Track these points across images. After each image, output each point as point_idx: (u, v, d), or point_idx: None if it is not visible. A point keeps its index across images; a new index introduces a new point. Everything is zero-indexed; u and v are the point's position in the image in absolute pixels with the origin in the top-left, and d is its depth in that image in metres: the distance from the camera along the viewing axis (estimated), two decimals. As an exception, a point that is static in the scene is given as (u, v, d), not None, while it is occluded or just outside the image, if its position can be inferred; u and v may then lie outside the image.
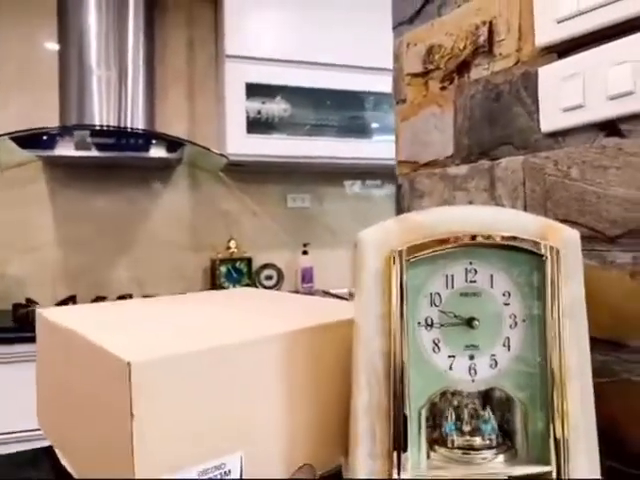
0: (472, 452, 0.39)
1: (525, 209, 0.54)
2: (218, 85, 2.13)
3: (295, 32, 2.03)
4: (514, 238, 0.37)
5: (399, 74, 0.71)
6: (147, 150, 1.88)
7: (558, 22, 0.48)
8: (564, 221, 0.50)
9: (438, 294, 0.38)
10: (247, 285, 2.14)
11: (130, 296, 1.95)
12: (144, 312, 0.51)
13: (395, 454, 0.36)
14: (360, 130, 2.17)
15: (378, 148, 2.10)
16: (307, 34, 2.03)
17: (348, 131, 2.14)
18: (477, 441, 0.40)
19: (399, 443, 0.36)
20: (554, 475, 0.37)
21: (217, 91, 2.16)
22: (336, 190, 2.37)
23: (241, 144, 1.93)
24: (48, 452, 0.48)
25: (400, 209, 0.72)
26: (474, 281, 0.38)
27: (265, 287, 2.21)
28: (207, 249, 2.17)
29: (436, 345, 0.38)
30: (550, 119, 0.50)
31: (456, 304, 0.38)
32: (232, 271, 2.15)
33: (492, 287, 0.38)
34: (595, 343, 0.47)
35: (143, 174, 2.11)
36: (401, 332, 0.37)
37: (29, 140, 1.71)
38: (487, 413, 0.40)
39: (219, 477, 0.36)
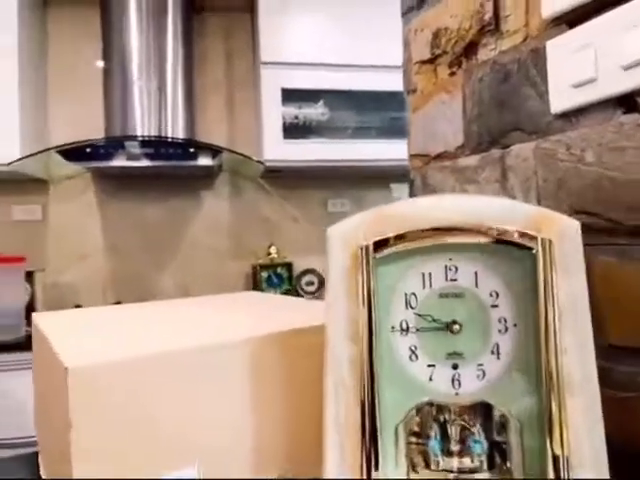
0: (460, 475, 0.35)
1: (539, 200, 0.48)
2: (256, 92, 2.15)
3: (330, 35, 2.01)
4: (500, 230, 0.32)
5: (409, 63, 0.67)
6: (188, 158, 1.92)
7: (566, -12, 0.43)
8: (580, 212, 0.44)
9: (414, 294, 0.34)
10: (288, 291, 2.13)
11: (173, 302, 1.99)
12: (126, 316, 0.50)
13: (364, 471, 0.32)
14: (401, 131, 2.11)
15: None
16: (342, 36, 2.01)
17: (390, 132, 2.09)
18: (466, 462, 0.35)
19: (369, 460, 0.32)
20: (553, 504, 0.31)
21: (255, 98, 2.18)
22: (379, 194, 2.33)
23: (278, 150, 1.93)
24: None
25: (413, 206, 0.68)
26: (455, 279, 0.34)
27: (306, 292, 2.19)
28: (248, 255, 2.19)
29: (413, 353, 0.34)
30: (560, 98, 0.45)
31: (435, 306, 0.34)
32: (273, 277, 2.15)
33: (477, 286, 0.33)
34: (618, 352, 0.41)
35: (185, 182, 2.16)
36: (370, 337, 0.33)
37: (76, 153, 1.78)
38: (477, 431, 0.35)
39: (173, 493, 0.33)
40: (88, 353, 0.34)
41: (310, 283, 2.21)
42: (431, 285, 0.34)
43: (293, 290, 2.15)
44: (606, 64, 0.40)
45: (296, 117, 2.05)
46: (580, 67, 0.42)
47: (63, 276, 2.01)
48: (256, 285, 2.13)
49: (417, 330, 0.34)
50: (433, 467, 0.35)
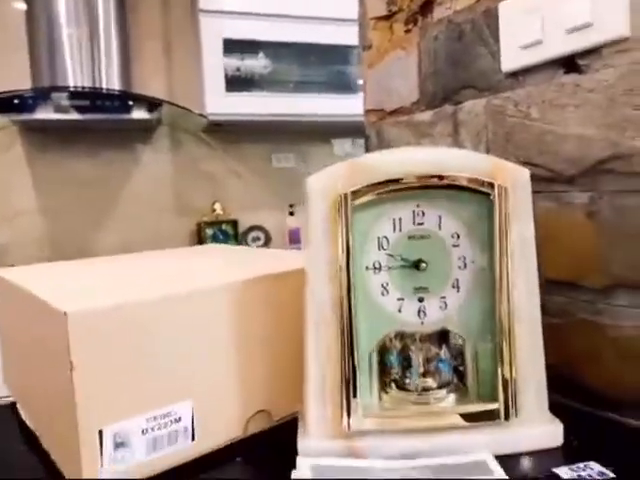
0: (424, 393, 0.40)
1: (488, 152, 0.53)
2: (195, 42, 2.06)
3: (273, -17, 1.95)
4: (461, 178, 0.36)
5: (364, 19, 0.69)
6: (125, 111, 1.83)
7: (518, -48, 0.46)
8: (525, 163, 0.49)
9: (386, 237, 0.38)
10: (234, 247, 2.14)
11: (116, 261, 1.95)
12: (98, 268, 0.51)
13: (344, 399, 0.37)
14: (346, 86, 2.11)
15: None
16: (286, -15, 1.95)
17: (334, 87, 2.09)
18: (429, 382, 0.40)
19: (348, 388, 0.37)
20: (502, 412, 0.37)
21: (195, 48, 2.09)
22: (322, 149, 2.34)
23: (220, 103, 1.88)
24: (12, 408, 0.48)
25: (369, 160, 0.71)
26: (422, 223, 0.37)
27: (252, 248, 2.21)
28: (192, 212, 2.15)
29: (385, 288, 0.38)
30: (510, 58, 0.49)
31: (404, 247, 0.38)
32: (218, 234, 2.14)
33: (440, 229, 0.38)
34: (554, 285, 0.47)
35: (122, 136, 2.06)
36: (348, 277, 0.36)
37: (1, 104, 1.65)
38: (443, 352, 0.40)
39: (169, 424, 0.36)
40: (81, 299, 0.35)
41: (256, 239, 2.23)
42: (401, 229, 0.37)
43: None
44: (552, 27, 0.44)
45: (238, 69, 1.99)
46: (528, 29, 0.46)
47: (-7, 236, 1.90)
48: (201, 242, 2.12)
49: (389, 268, 0.38)
50: (399, 386, 0.40)
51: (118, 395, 0.34)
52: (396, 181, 0.37)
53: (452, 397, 0.40)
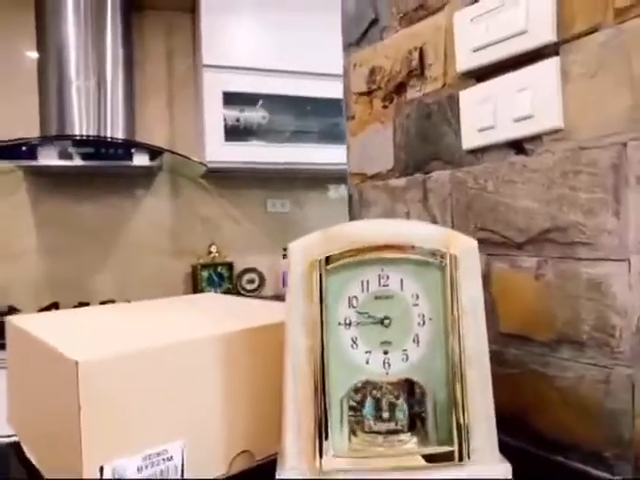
0: (390, 435, 0.45)
1: (452, 218, 0.59)
2: (197, 94, 2.18)
3: (272, 41, 2.08)
4: (419, 247, 0.43)
5: (348, 92, 0.77)
6: (128, 158, 1.92)
7: (474, 51, 0.54)
8: (482, 229, 0.55)
9: (355, 297, 0.43)
10: (228, 290, 2.18)
11: (112, 301, 1.99)
12: (102, 317, 0.56)
13: (317, 440, 0.42)
14: (340, 136, 2.21)
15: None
16: (284, 42, 2.08)
17: (328, 137, 2.19)
18: (394, 426, 0.45)
19: (320, 430, 0.42)
20: (456, 454, 0.42)
21: (196, 100, 2.21)
22: (315, 195, 2.43)
23: (219, 151, 1.98)
24: (15, 446, 0.52)
25: (352, 217, 0.78)
26: (386, 285, 0.43)
27: (247, 291, 2.26)
28: (189, 254, 2.22)
29: (354, 342, 0.43)
30: (469, 138, 0.56)
31: (371, 305, 0.43)
32: (214, 276, 2.19)
33: (402, 290, 0.44)
34: (510, 338, 0.53)
35: (124, 181, 2.15)
36: (321, 331, 0.42)
37: (8, 150, 1.74)
38: (400, 402, 0.45)
39: (161, 462, 0.41)
40: (89, 349, 0.40)
41: (251, 281, 2.28)
42: (368, 289, 0.43)
43: (234, 289, 2.21)
44: (502, 115, 0.52)
45: (237, 120, 2.10)
46: (483, 116, 0.54)
47: (-6, 277, 1.95)
48: (196, 284, 2.17)
49: (357, 324, 0.43)
50: (368, 430, 0.45)
51: (118, 435, 0.39)
52: (364, 249, 0.43)
53: (415, 440, 0.45)
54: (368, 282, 0.43)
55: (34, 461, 0.48)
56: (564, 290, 0.47)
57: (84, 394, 0.37)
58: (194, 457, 0.43)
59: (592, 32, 0.45)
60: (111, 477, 0.38)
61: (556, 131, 0.47)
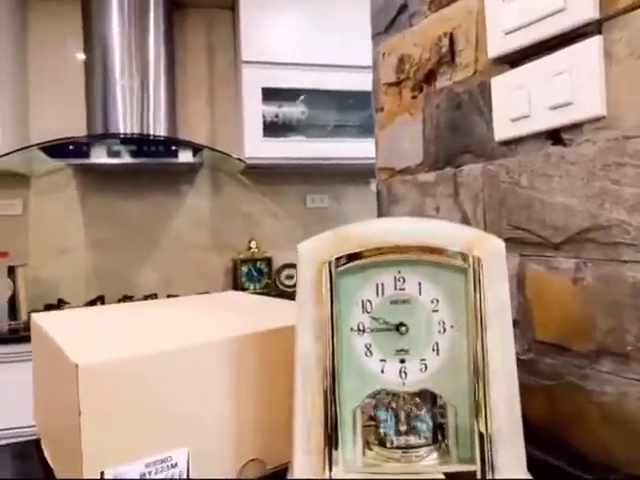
0: (408, 450, 0.42)
1: (484, 214, 0.55)
2: (237, 90, 2.19)
3: (310, 35, 2.06)
4: (439, 249, 0.39)
5: (377, 83, 0.74)
6: (172, 155, 1.96)
7: (506, 34, 0.50)
8: (516, 227, 0.51)
9: (369, 301, 0.40)
10: (267, 285, 2.19)
11: (155, 296, 2.04)
12: (117, 317, 0.56)
13: (326, 451, 0.39)
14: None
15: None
16: (322, 36, 2.06)
17: (368, 131, 2.15)
18: (412, 440, 0.42)
19: (330, 441, 0.39)
20: (479, 473, 0.39)
21: (236, 96, 2.22)
22: (354, 190, 2.39)
23: (258, 147, 1.98)
24: (36, 444, 0.53)
25: (380, 214, 0.75)
26: (403, 289, 0.40)
27: (286, 286, 2.25)
28: (229, 250, 2.24)
29: (368, 349, 0.40)
30: (502, 128, 0.52)
31: (386, 311, 0.40)
32: (253, 271, 2.21)
33: (420, 294, 0.40)
34: (545, 347, 0.49)
35: (168, 178, 2.19)
36: (332, 337, 0.39)
37: (58, 149, 1.80)
38: (423, 412, 0.42)
39: (165, 469, 0.40)
40: (92, 351, 0.39)
41: (289, 277, 2.28)
42: (383, 293, 0.40)
43: (272, 284, 2.21)
44: (537, 103, 0.47)
45: (276, 115, 2.10)
46: (516, 104, 0.49)
47: (45, 271, 2.03)
48: (236, 279, 2.18)
49: (371, 331, 0.40)
50: (387, 444, 0.42)
51: (120, 440, 0.38)
52: (379, 249, 0.40)
53: (434, 455, 0.41)
54: (383, 285, 0.40)
55: (49, 461, 0.48)
56: (605, 295, 0.43)
57: (84, 398, 0.36)
58: (200, 465, 0.41)
59: (639, 7, 0.39)
60: (113, 483, 0.37)
61: (598, 119, 0.43)
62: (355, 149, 2.10)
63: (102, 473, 0.37)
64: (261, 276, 2.20)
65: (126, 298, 2.01)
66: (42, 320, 0.53)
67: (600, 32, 0.42)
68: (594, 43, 0.43)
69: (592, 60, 0.43)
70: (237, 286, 2.16)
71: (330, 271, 0.40)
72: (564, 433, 0.46)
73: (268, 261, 2.22)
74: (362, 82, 2.10)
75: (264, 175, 2.26)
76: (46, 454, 0.49)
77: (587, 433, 0.44)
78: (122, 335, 0.47)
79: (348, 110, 2.17)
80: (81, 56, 2.02)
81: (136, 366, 0.38)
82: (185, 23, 2.21)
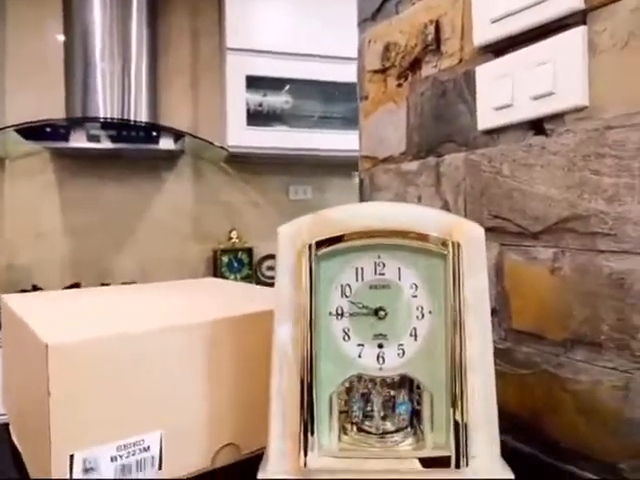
0: (383, 435, 0.42)
1: (465, 204, 0.55)
2: (221, 77, 2.16)
3: (296, 24, 2.04)
4: (419, 234, 0.39)
5: (362, 71, 0.73)
6: (153, 141, 1.92)
7: (492, 22, 0.50)
8: (496, 217, 0.51)
9: (349, 285, 0.40)
10: (248, 276, 2.18)
11: (133, 283, 2.01)
12: (92, 300, 0.55)
13: (302, 436, 0.39)
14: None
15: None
16: (309, 26, 2.04)
17: (353, 123, 2.14)
18: (388, 425, 0.42)
19: (306, 426, 0.39)
20: (453, 459, 0.39)
21: (220, 83, 2.19)
22: (338, 182, 2.39)
23: (241, 136, 1.96)
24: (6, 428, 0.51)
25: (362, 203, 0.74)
26: (383, 274, 0.40)
27: (266, 277, 2.24)
28: (209, 239, 2.21)
29: (346, 334, 0.40)
30: (485, 117, 0.52)
31: (365, 295, 0.40)
32: (234, 261, 2.19)
33: (400, 280, 0.40)
34: (522, 335, 0.49)
35: (148, 164, 2.16)
36: (310, 321, 0.39)
37: (34, 132, 1.76)
38: (400, 398, 0.42)
39: (137, 452, 0.39)
40: (64, 331, 0.38)
41: (270, 268, 2.26)
42: (363, 278, 0.40)
43: (253, 275, 2.20)
44: (520, 92, 0.47)
45: (260, 104, 2.08)
46: (500, 93, 0.49)
47: (19, 257, 1.99)
48: (216, 269, 2.17)
49: (350, 315, 0.40)
50: (359, 429, 0.41)
51: (91, 423, 0.37)
52: (359, 233, 0.39)
53: (410, 441, 0.41)
54: (363, 270, 0.40)
55: (17, 444, 0.46)
56: (582, 285, 0.43)
57: (54, 378, 0.35)
58: (174, 448, 0.41)
59: (624, -4, 0.40)
60: (82, 467, 0.36)
61: (580, 109, 0.43)
62: (339, 141, 2.08)
63: (72, 456, 0.36)
64: (242, 267, 2.19)
65: (103, 285, 1.98)
66: (12, 301, 0.52)
67: (584, 22, 0.43)
68: (578, 33, 0.43)
69: (576, 50, 0.43)
70: (217, 276, 2.14)
71: (310, 255, 0.39)
72: (538, 421, 0.47)
73: (249, 252, 2.20)
74: (348, 73, 2.08)
75: (247, 164, 2.24)
76: (14, 438, 0.48)
77: (561, 421, 0.44)
78: (95, 317, 0.45)
79: (333, 101, 2.16)
80: (61, 37, 1.97)
81: (107, 347, 0.37)
82: (169, 7, 2.17)
